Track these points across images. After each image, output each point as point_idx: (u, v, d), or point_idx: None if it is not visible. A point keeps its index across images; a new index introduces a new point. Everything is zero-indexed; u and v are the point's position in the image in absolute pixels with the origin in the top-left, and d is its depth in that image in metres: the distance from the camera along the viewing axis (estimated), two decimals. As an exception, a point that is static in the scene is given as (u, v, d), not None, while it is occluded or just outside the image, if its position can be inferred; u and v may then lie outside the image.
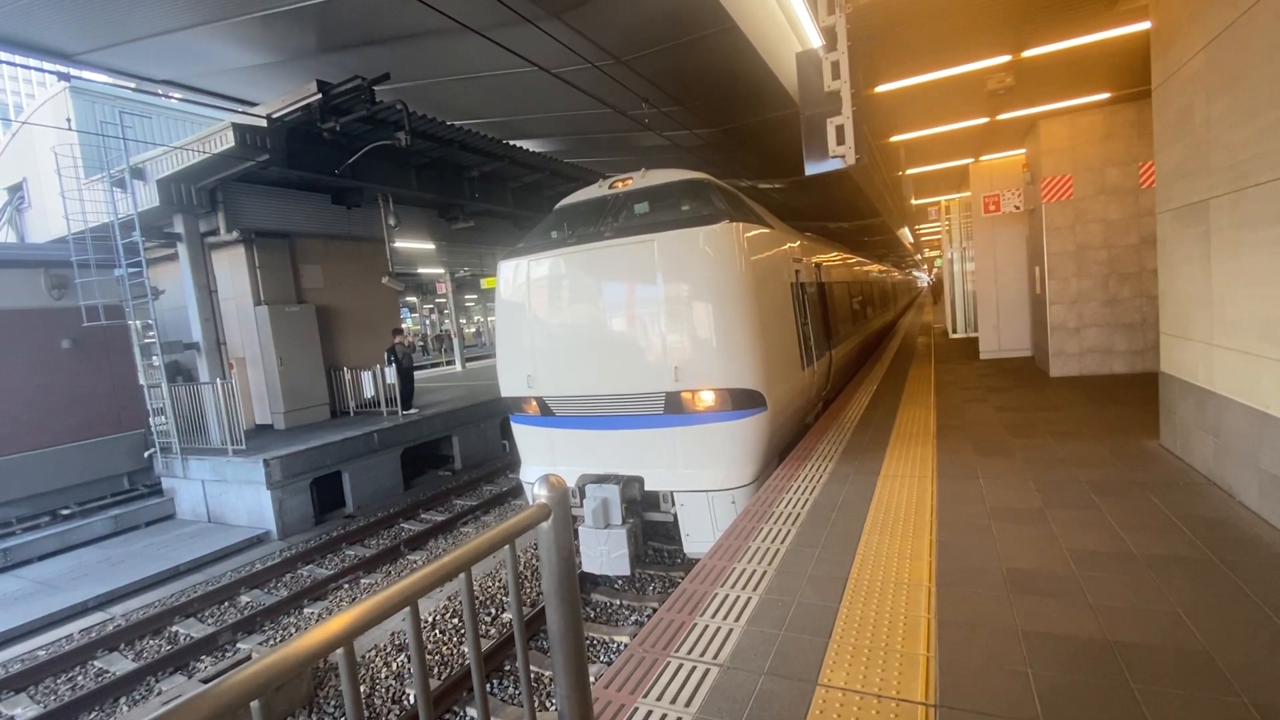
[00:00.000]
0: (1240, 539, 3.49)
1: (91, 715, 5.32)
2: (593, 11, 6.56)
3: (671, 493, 5.72)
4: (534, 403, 6.18)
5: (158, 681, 5.71)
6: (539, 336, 6.07)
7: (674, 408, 5.53)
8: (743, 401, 5.42)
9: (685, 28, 7.06)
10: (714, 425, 5.48)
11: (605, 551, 5.53)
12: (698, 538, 5.67)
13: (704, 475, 5.56)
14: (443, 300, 27.99)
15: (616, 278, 5.71)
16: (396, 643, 5.67)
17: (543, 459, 6.39)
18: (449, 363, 26.92)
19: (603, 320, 5.76)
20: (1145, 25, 5.22)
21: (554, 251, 6.01)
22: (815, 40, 5.39)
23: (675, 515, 5.75)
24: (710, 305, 5.36)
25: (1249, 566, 3.18)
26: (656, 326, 5.53)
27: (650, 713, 2.51)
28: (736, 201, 6.58)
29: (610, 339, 5.74)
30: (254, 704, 0.98)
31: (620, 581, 6.46)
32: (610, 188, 6.60)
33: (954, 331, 15.95)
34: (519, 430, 6.51)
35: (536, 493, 1.70)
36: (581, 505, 5.67)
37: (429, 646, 5.64)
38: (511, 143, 11.77)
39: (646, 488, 5.77)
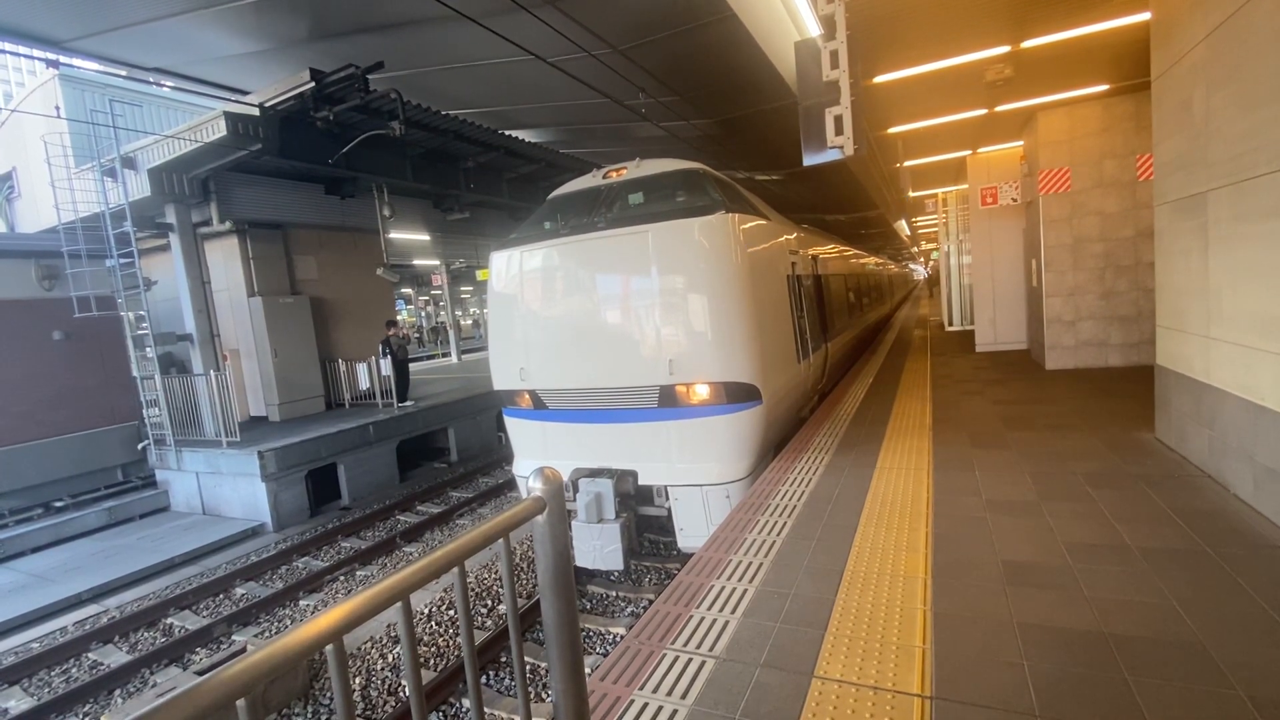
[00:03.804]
0: (1235, 532, 3.50)
1: (86, 708, 5.31)
2: (589, -1, 6.50)
3: (665, 487, 5.70)
4: (527, 396, 6.15)
5: (152, 674, 5.69)
6: (532, 329, 6.02)
7: (668, 401, 5.50)
8: (738, 395, 5.39)
9: (683, 16, 7.00)
10: (709, 419, 5.45)
11: (599, 546, 5.51)
12: (692, 532, 5.66)
13: (698, 469, 5.54)
14: (438, 292, 27.89)
15: (610, 269, 5.65)
16: (392, 635, 5.66)
17: (536, 453, 6.36)
18: (444, 355, 26.86)
19: (596, 312, 5.71)
20: (1145, 16, 5.19)
21: (547, 242, 5.94)
22: (814, 29, 5.35)
23: (669, 510, 5.74)
24: (705, 297, 5.31)
25: (1244, 559, 3.19)
26: (651, 319, 5.48)
27: (646, 705, 2.50)
28: (732, 192, 6.52)
29: (604, 331, 5.69)
30: (240, 702, 0.96)
31: (616, 574, 6.46)
32: (604, 177, 6.52)
33: (950, 324, 15.98)
34: (512, 423, 6.48)
35: (531, 486, 1.68)
36: (574, 500, 5.65)
37: (425, 638, 5.64)
38: (507, 133, 11.69)
39: (640, 482, 5.75)
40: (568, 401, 5.95)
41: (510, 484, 10.40)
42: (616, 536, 5.45)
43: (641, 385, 5.55)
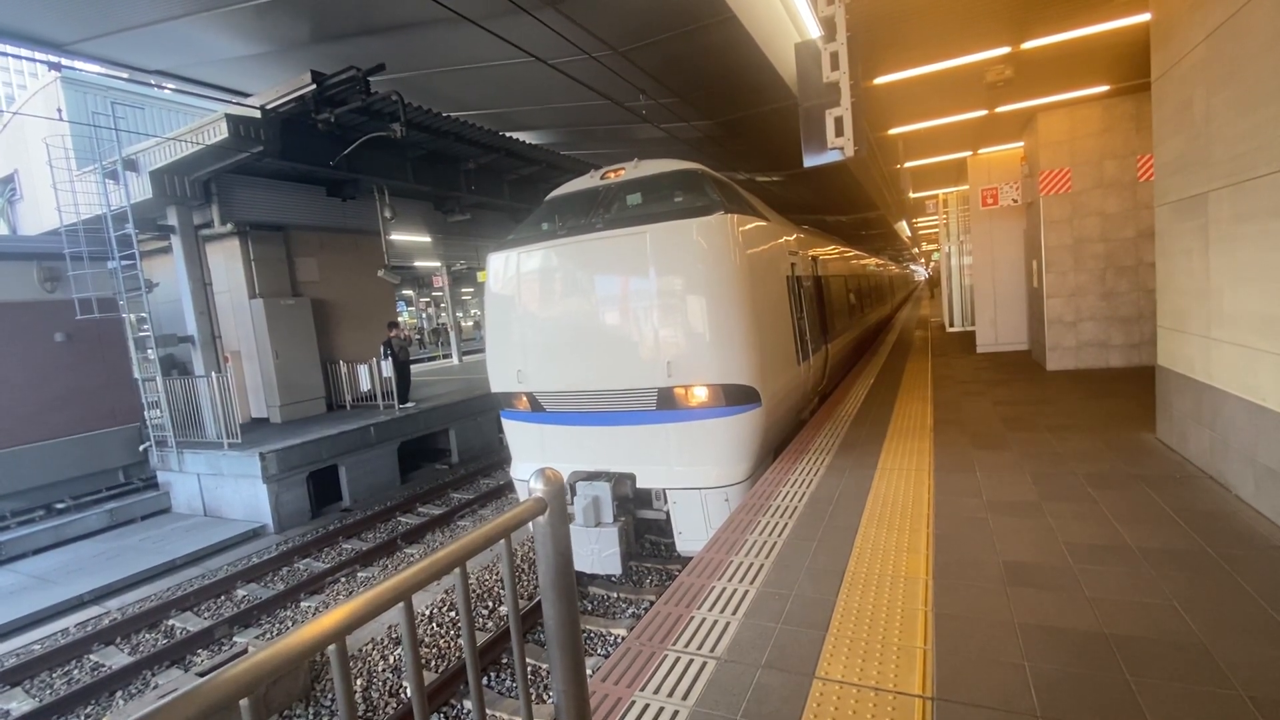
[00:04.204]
0: (1236, 532, 3.50)
1: (87, 709, 5.31)
2: (589, 1, 6.51)
3: (664, 490, 5.68)
4: (524, 398, 6.13)
5: (154, 675, 5.70)
6: (529, 330, 5.99)
7: (666, 403, 5.46)
8: (736, 397, 5.36)
9: (683, 18, 7.02)
10: (707, 421, 5.42)
11: (596, 550, 5.47)
12: (690, 536, 5.63)
13: (697, 472, 5.51)
14: (439, 294, 27.93)
15: (608, 270, 5.62)
16: (393, 636, 5.66)
17: (533, 455, 6.34)
18: (445, 356, 26.89)
19: (594, 314, 5.68)
20: (1145, 17, 5.19)
21: (544, 243, 5.91)
22: (814, 31, 5.35)
23: (668, 513, 5.72)
24: (704, 299, 5.28)
25: (1245, 559, 3.18)
26: (649, 320, 5.45)
27: (647, 706, 2.50)
28: (731, 193, 6.48)
29: (602, 333, 5.66)
30: (243, 702, 0.96)
31: (616, 576, 6.45)
32: (602, 178, 6.48)
33: (951, 325, 15.95)
34: (509, 426, 6.46)
35: (532, 486, 1.69)
36: (572, 503, 5.60)
37: (426, 640, 5.64)
38: (507, 135, 11.71)
39: (639, 485, 5.72)
40: (565, 404, 5.92)
41: (511, 485, 10.40)
42: (614, 540, 5.41)
43: (640, 387, 5.53)
